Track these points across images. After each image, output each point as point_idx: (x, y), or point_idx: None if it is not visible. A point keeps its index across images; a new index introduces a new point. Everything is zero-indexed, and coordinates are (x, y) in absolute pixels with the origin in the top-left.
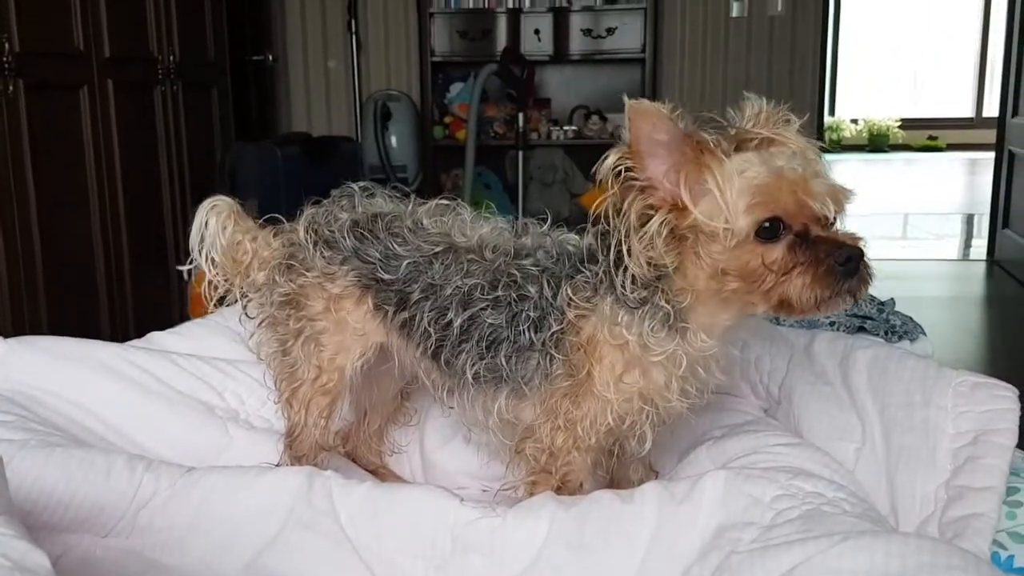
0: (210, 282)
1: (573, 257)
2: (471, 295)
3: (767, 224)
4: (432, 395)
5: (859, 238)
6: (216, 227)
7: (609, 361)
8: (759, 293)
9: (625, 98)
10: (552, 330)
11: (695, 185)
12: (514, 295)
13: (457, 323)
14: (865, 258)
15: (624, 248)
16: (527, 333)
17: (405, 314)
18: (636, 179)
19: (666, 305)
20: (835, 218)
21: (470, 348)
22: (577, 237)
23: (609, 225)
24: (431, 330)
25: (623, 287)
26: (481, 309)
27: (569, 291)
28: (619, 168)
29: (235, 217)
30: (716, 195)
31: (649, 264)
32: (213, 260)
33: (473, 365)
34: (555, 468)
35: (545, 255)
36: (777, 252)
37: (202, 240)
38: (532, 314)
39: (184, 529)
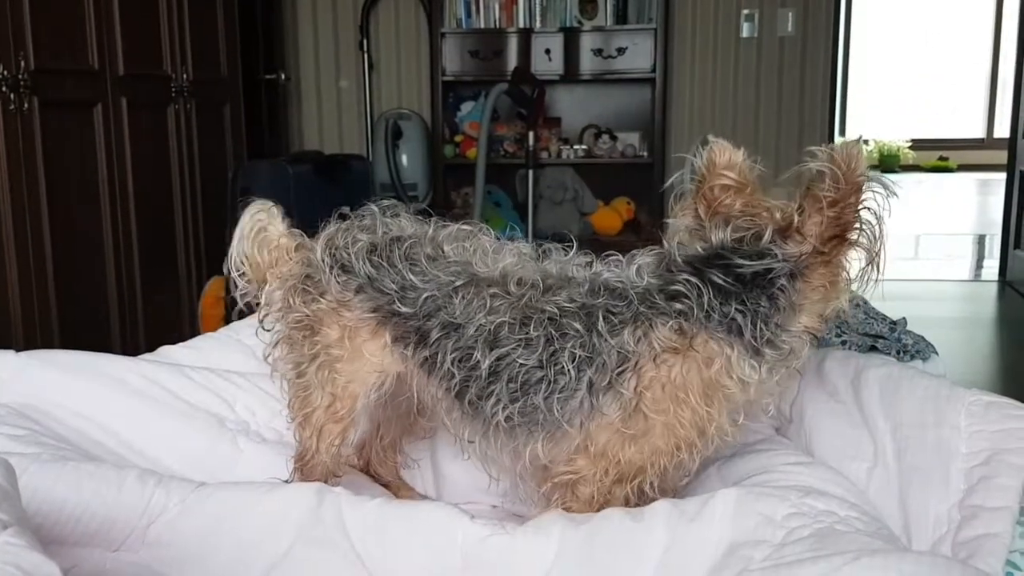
0: (240, 290)
1: (631, 293)
2: (498, 334)
3: None
4: (452, 435)
5: None
6: (268, 221)
7: (692, 403)
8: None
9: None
10: (612, 370)
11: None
12: (554, 332)
13: (485, 364)
14: None
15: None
16: (571, 372)
17: (426, 352)
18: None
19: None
20: None
21: (500, 390)
22: (617, 270)
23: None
24: (455, 371)
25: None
26: (511, 349)
27: (661, 330)
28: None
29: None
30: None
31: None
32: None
33: (505, 408)
34: (595, 500)
35: (578, 290)
36: None
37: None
38: (579, 352)
39: (194, 545)
